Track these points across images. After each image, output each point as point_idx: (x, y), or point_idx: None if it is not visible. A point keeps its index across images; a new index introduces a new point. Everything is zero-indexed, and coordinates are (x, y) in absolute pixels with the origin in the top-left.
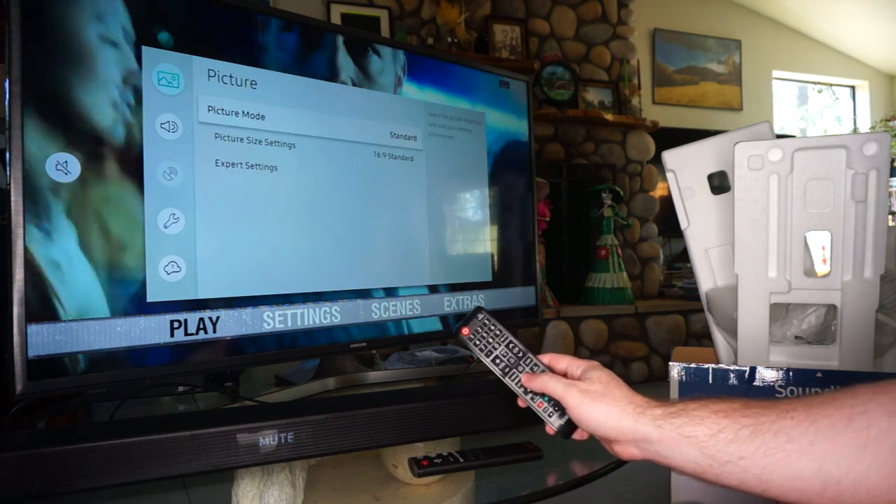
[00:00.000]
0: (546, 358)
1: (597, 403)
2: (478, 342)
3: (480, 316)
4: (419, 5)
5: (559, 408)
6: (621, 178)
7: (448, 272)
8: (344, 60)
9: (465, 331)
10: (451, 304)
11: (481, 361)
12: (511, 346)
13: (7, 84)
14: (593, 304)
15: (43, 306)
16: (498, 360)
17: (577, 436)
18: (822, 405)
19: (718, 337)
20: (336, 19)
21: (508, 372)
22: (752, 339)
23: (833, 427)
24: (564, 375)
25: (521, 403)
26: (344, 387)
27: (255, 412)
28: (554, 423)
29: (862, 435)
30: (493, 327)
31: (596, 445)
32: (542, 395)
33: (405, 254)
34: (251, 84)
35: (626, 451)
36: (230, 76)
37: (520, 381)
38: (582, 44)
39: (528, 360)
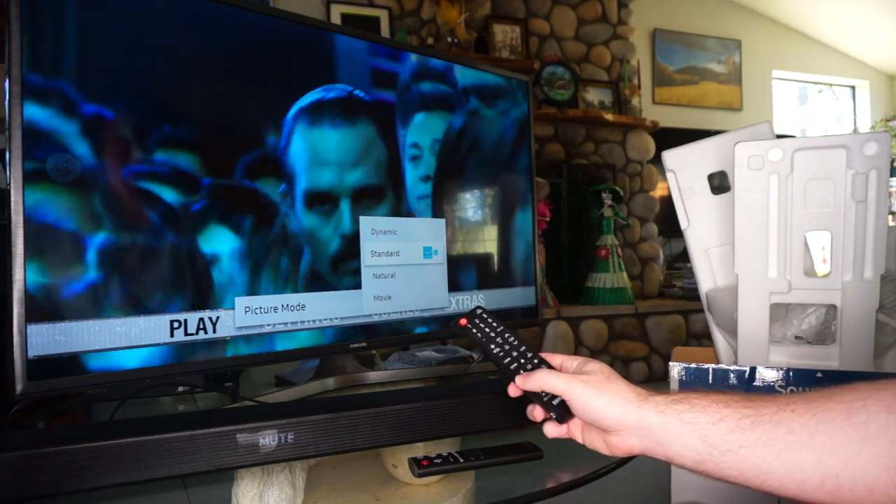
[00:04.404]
0: (543, 356)
1: (600, 393)
2: (475, 331)
3: (479, 311)
4: (419, 5)
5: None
6: (621, 178)
7: (448, 272)
8: None
9: (464, 321)
10: (451, 303)
11: (484, 360)
12: (507, 336)
13: (7, 84)
14: (593, 304)
15: (43, 306)
16: (493, 347)
17: (554, 432)
18: (822, 399)
19: (718, 337)
20: (336, 19)
21: (503, 357)
22: (752, 339)
23: (833, 420)
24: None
25: (511, 391)
26: (344, 387)
27: (255, 412)
28: (549, 406)
29: (860, 429)
30: (490, 320)
31: None
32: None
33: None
34: None
35: (624, 442)
36: None
37: (515, 368)
38: (582, 44)
39: (524, 349)
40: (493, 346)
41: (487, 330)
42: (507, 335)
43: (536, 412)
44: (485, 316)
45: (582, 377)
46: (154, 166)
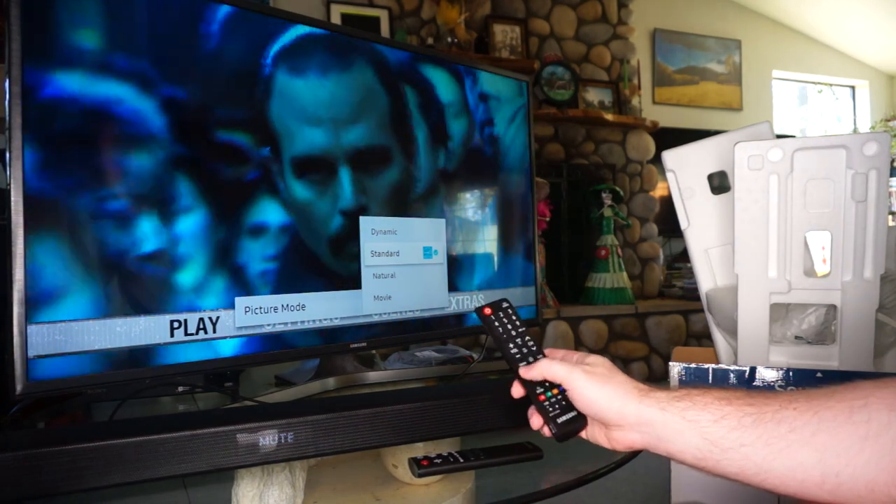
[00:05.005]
0: (545, 352)
1: (603, 385)
2: (497, 324)
3: (505, 305)
4: (419, 5)
5: (562, 406)
6: (621, 178)
7: (448, 272)
8: None
9: (488, 310)
10: (452, 303)
11: (484, 360)
12: (527, 339)
13: (7, 84)
14: (593, 304)
15: (43, 306)
16: (512, 346)
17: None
18: (824, 398)
19: (718, 337)
20: (336, 19)
21: (520, 360)
22: (752, 339)
23: (835, 419)
24: None
25: (514, 393)
26: (344, 387)
27: (255, 412)
28: (552, 420)
29: (862, 428)
30: (514, 318)
31: (596, 444)
32: (544, 388)
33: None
34: None
35: (626, 437)
36: None
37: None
38: (582, 44)
39: (540, 356)
40: (511, 346)
41: (510, 327)
42: (526, 338)
43: (534, 420)
44: (510, 312)
45: (585, 367)
46: (146, 162)
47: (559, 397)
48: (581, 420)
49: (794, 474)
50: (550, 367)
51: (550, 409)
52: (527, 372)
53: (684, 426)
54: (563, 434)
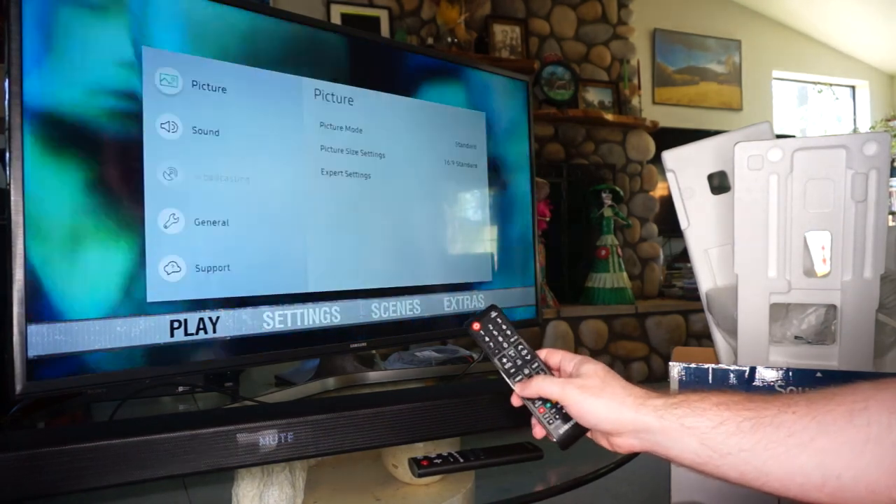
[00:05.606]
0: (543, 353)
1: (596, 398)
2: (487, 339)
3: (493, 314)
4: (419, 5)
5: (561, 415)
6: (621, 178)
7: (447, 272)
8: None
9: (476, 326)
10: (451, 304)
11: (484, 360)
12: (520, 348)
13: (7, 84)
14: (593, 304)
15: (43, 306)
16: (505, 360)
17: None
18: (824, 401)
19: (718, 337)
20: (336, 19)
21: (514, 374)
22: (752, 339)
23: (835, 423)
24: (558, 370)
25: (515, 402)
26: (344, 387)
27: (255, 412)
28: (554, 431)
29: (862, 431)
30: (504, 327)
31: (596, 445)
32: (543, 399)
33: (403, 253)
34: None
35: (625, 442)
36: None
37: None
38: (582, 44)
39: (535, 364)
40: (505, 361)
41: (500, 339)
42: (520, 347)
43: (537, 430)
44: (499, 321)
45: (578, 382)
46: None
47: (558, 407)
48: (583, 427)
49: (794, 478)
50: (543, 386)
51: (551, 420)
52: (522, 390)
53: (683, 433)
54: (566, 442)
